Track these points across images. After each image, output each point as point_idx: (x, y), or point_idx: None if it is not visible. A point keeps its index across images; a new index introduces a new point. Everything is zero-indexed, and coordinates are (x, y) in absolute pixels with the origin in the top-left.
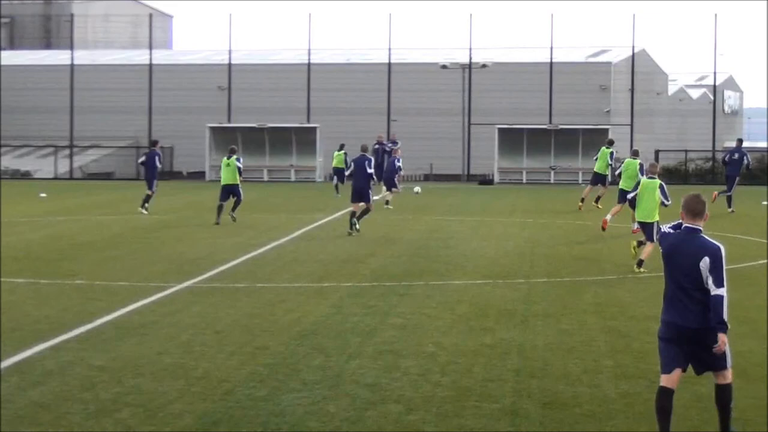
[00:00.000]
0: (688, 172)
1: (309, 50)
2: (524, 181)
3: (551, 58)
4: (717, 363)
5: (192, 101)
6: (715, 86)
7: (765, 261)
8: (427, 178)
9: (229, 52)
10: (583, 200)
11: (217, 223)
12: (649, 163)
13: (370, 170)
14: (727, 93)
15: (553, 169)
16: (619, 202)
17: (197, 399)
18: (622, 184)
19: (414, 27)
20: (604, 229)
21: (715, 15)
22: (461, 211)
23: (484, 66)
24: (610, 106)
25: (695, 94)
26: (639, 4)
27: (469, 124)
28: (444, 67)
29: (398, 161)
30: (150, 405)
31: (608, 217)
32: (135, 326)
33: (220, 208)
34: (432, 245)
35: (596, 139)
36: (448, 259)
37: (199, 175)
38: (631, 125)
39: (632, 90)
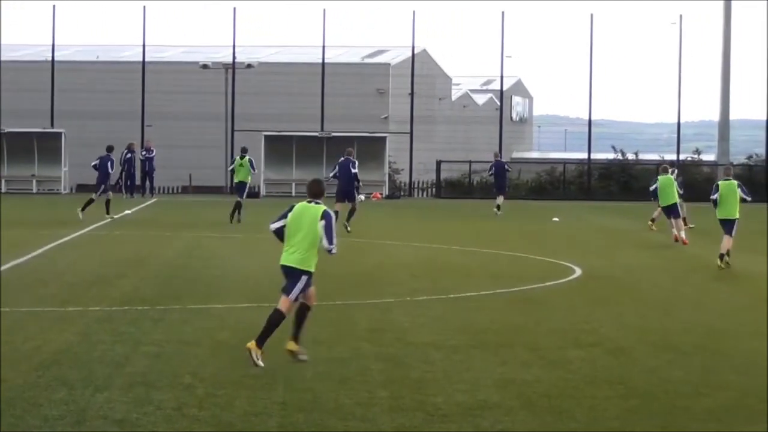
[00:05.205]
0: (473, 185)
1: (53, 46)
2: (293, 194)
3: (323, 59)
4: None
5: None
6: (502, 91)
7: (550, 283)
8: (186, 190)
9: None
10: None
11: (237, 220)
12: (724, 167)
13: (355, 170)
14: (515, 99)
15: (326, 181)
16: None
17: None
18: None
19: (171, 21)
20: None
21: (502, 13)
22: (224, 228)
23: (249, 66)
24: (388, 112)
25: (481, 99)
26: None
27: (233, 130)
28: (205, 66)
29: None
30: None
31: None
32: None
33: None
34: (192, 265)
35: (372, 147)
36: (209, 281)
37: None
38: (411, 133)
39: (412, 94)
